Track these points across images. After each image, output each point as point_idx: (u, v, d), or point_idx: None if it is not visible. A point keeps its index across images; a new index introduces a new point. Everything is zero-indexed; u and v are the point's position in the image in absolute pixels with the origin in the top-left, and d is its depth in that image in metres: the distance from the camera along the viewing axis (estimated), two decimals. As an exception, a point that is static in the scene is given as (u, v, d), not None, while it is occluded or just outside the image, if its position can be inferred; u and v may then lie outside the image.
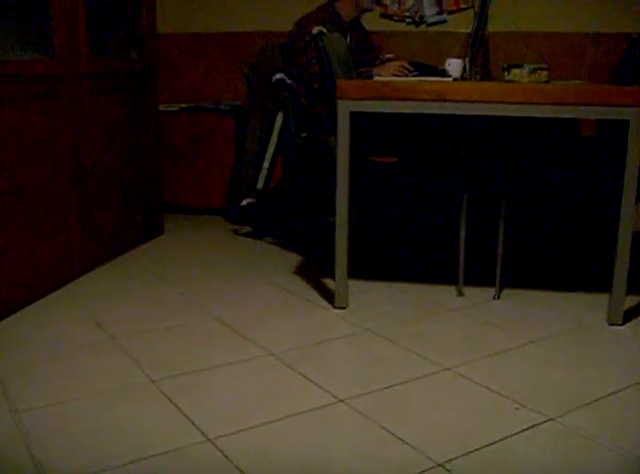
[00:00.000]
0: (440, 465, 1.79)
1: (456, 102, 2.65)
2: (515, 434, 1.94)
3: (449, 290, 3.15)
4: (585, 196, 3.66)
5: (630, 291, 2.95)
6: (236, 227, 4.14)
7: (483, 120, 3.25)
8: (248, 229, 4.05)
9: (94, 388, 2.19)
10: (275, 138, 3.78)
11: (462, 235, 3.04)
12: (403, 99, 2.68)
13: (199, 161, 4.58)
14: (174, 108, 4.67)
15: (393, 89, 2.69)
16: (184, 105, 4.75)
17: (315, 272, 3.44)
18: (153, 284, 3.23)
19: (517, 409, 2.08)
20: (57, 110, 3.03)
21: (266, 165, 3.80)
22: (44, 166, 2.95)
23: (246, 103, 4.46)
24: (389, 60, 3.92)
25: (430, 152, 3.37)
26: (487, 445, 1.88)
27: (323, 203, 3.95)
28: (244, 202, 3.98)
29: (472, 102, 2.64)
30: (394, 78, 3.33)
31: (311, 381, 2.26)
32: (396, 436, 1.92)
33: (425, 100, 2.66)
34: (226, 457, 1.82)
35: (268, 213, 4.09)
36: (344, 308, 2.92)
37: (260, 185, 3.83)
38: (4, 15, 2.81)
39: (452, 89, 2.67)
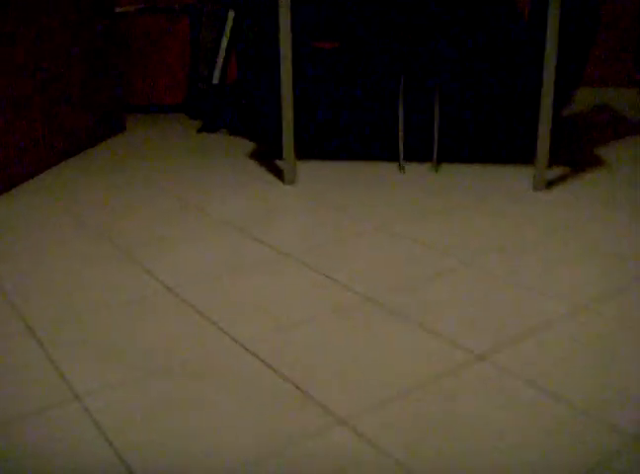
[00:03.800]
0: (369, 299, 2.08)
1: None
2: (437, 276, 2.24)
3: (392, 167, 3.41)
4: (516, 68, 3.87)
5: (554, 163, 3.23)
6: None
7: (419, 2, 3.42)
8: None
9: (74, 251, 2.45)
10: (227, 33, 3.93)
11: (401, 115, 3.27)
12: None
13: (157, 60, 4.74)
14: (130, 9, 4.79)
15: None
16: (140, 6, 4.88)
17: (267, 156, 3.68)
18: (117, 173, 3.46)
19: (441, 255, 2.38)
20: (13, 17, 3.18)
21: (220, 59, 3.97)
22: (5, 70, 3.12)
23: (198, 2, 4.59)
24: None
25: (369, 36, 3.56)
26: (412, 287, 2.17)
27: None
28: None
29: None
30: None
31: (260, 241, 2.53)
32: (332, 279, 2.21)
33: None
34: (183, 301, 2.10)
35: (223, 107, 4.29)
36: (292, 184, 3.17)
37: (216, 79, 4.00)
38: None
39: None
